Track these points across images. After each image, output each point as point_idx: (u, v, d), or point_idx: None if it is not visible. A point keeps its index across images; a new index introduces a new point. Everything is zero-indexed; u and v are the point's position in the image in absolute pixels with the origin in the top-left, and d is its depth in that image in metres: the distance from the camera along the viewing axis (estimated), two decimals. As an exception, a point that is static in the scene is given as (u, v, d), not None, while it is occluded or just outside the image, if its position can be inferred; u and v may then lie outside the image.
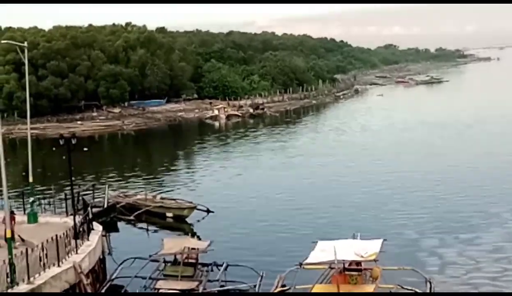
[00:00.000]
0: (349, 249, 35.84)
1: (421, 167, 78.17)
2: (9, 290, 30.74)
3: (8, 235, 33.66)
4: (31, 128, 56.73)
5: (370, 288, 34.17)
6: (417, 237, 47.93)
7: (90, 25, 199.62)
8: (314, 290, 34.05)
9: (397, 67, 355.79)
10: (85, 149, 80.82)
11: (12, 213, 40.21)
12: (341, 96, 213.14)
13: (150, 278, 40.05)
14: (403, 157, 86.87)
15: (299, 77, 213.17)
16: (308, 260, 35.62)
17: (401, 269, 37.75)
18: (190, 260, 40.24)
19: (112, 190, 66.84)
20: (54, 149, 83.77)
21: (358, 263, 35.26)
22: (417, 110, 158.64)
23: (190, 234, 51.44)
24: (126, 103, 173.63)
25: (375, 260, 35.54)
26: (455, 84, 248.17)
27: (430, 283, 36.61)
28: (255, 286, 38.11)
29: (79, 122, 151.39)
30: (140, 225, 58.50)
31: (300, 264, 36.10)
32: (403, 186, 67.51)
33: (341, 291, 33.23)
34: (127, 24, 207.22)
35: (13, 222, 38.36)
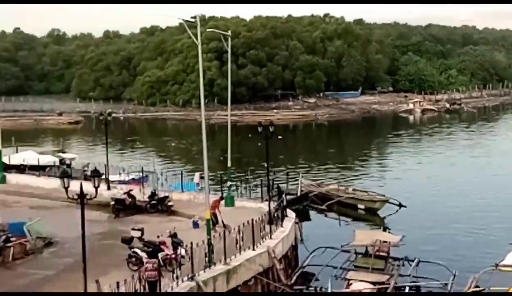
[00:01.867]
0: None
1: None
2: (207, 270, 31.81)
3: (207, 216, 34.87)
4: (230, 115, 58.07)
5: None
6: None
7: (289, 15, 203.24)
8: None
9: None
10: (280, 137, 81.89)
11: (221, 197, 41.92)
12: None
13: (341, 268, 40.21)
14: None
15: (499, 73, 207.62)
16: (505, 262, 34.82)
17: None
18: (381, 253, 39.97)
19: (305, 178, 67.64)
20: (250, 135, 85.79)
21: None
22: None
23: (381, 227, 51.36)
24: (321, 94, 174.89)
25: None
26: None
27: None
28: (446, 284, 37.60)
29: (275, 111, 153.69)
30: (331, 215, 58.69)
31: (496, 265, 35.29)
32: None
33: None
34: (325, 15, 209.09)
35: (219, 204, 40.08)
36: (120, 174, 60.68)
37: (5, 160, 62.03)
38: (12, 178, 56.98)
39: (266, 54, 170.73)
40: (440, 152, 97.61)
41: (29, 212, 42.94)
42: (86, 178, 49.66)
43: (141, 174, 61.49)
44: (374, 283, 36.94)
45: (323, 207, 59.85)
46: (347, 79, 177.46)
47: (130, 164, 74.00)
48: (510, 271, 34.81)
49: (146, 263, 30.48)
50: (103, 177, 51.87)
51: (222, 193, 48.48)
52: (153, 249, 32.65)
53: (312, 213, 57.36)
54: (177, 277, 29.79)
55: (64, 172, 42.90)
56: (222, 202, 43.21)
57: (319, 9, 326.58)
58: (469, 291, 35.18)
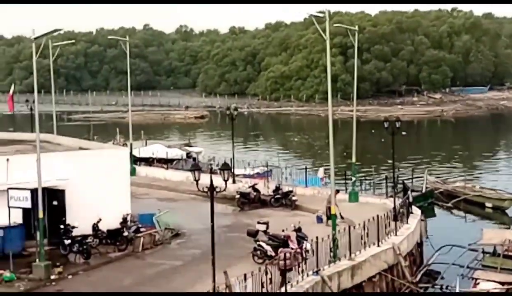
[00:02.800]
0: None
1: None
2: (331, 265, 31.85)
3: (332, 211, 34.97)
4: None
5: None
6: None
7: (416, 10, 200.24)
8: None
9: None
10: (404, 133, 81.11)
11: (337, 191, 41.70)
12: None
13: (468, 267, 39.66)
14: None
15: None
16: None
17: None
18: (510, 253, 39.29)
19: (431, 175, 66.92)
20: (373, 131, 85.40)
21: None
22: None
23: (510, 227, 50.43)
24: (447, 90, 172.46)
25: None
26: None
27: None
28: None
29: (399, 106, 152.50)
30: (457, 212, 57.93)
31: None
32: None
33: None
34: (453, 9, 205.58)
35: (334, 200, 39.94)
36: (245, 168, 61.43)
37: (135, 152, 63.86)
38: (142, 170, 58.49)
39: (391, 49, 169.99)
40: None
41: (158, 204, 43.95)
42: (211, 171, 50.36)
43: (265, 168, 62.08)
44: (503, 283, 36.29)
45: (449, 205, 59.14)
46: (475, 75, 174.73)
47: (254, 158, 74.65)
48: None
49: (280, 252, 30.97)
50: (232, 169, 53.00)
51: (346, 188, 48.55)
52: (278, 242, 32.94)
53: (437, 211, 56.76)
54: (302, 271, 30.00)
55: (195, 165, 43.68)
56: (338, 195, 43.00)
57: (446, 4, 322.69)
58: None
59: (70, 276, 31.37)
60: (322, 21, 37.42)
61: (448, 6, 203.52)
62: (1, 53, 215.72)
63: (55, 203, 35.75)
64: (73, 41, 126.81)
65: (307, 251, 31.63)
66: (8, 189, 33.23)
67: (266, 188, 48.87)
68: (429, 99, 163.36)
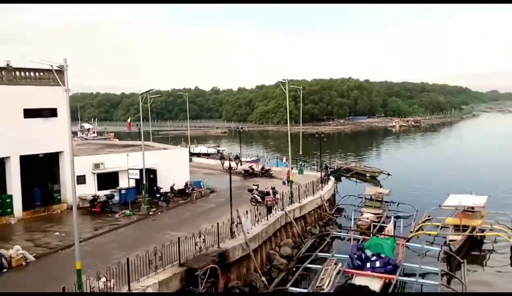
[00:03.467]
0: (468, 199, 33.69)
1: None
2: (290, 205, 31.77)
3: (291, 178, 34.98)
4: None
5: (478, 221, 31.97)
6: (508, 197, 43.57)
7: (331, 78, 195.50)
8: (446, 222, 32.41)
9: (498, 103, 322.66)
10: (325, 139, 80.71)
11: (292, 168, 41.64)
12: (464, 117, 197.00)
13: (358, 205, 40.08)
14: (500, 152, 78.97)
15: (440, 107, 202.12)
16: (444, 204, 33.84)
17: (497, 212, 35.05)
18: (378, 199, 39.50)
19: (339, 160, 67.09)
20: (310, 139, 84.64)
21: (472, 207, 32.97)
22: (510, 126, 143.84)
23: (379, 185, 50.68)
24: (346, 118, 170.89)
25: (483, 207, 33.17)
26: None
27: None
28: (413, 215, 36.80)
29: (323, 126, 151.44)
30: (352, 179, 57.97)
31: (440, 205, 34.38)
32: (499, 167, 61.44)
33: (463, 223, 31.39)
34: (349, 77, 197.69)
35: (290, 173, 39.98)
36: (246, 157, 61.68)
37: (191, 150, 63.79)
38: (195, 159, 58.29)
39: (318, 98, 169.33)
40: (409, 146, 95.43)
41: (203, 176, 43.82)
42: (230, 159, 50.35)
43: (256, 157, 62.45)
44: (374, 214, 36.45)
45: (348, 175, 59.37)
46: (360, 110, 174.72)
47: (251, 153, 74.88)
48: (446, 208, 33.93)
49: (266, 198, 31.02)
50: (240, 158, 53.52)
51: (297, 167, 48.65)
52: (263, 194, 32.94)
53: (342, 178, 56.80)
54: (275, 210, 30.06)
55: (221, 156, 43.00)
56: (293, 171, 42.91)
57: (346, 73, 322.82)
58: (424, 219, 34.42)
59: (159, 212, 31.41)
60: (284, 83, 37.55)
61: (346, 75, 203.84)
62: (124, 102, 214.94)
63: (151, 176, 35.71)
64: (160, 95, 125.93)
65: (278, 199, 31.67)
66: (128, 169, 33.23)
67: (257, 167, 48.90)
68: (338, 123, 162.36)
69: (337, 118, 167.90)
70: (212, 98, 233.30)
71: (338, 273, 23.09)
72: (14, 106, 29.26)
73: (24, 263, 21.17)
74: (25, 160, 30.29)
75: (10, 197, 29.33)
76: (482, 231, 31.26)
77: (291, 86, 39.82)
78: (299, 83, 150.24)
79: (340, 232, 33.28)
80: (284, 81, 38.46)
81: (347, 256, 24.71)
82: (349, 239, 29.57)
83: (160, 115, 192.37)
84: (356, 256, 24.06)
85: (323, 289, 21.25)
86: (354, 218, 35.28)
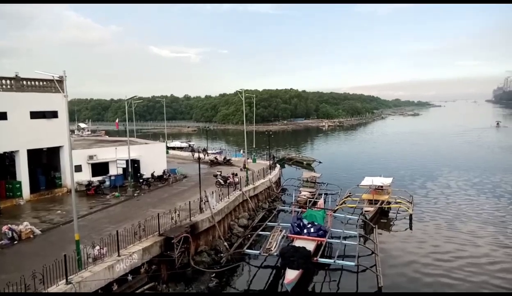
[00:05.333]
0: (378, 180, 34.95)
1: (410, 148, 73.87)
2: (246, 186, 31.82)
3: (246, 166, 35.15)
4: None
5: (386, 196, 33.25)
6: (409, 178, 45.60)
7: (277, 88, 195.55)
8: (362, 197, 33.43)
9: (400, 108, 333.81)
10: (272, 136, 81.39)
11: (247, 158, 41.65)
12: (375, 119, 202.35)
13: (297, 186, 40.52)
14: (400, 144, 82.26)
15: (358, 111, 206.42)
16: (361, 183, 34.95)
17: (399, 190, 36.55)
18: (312, 180, 40.04)
19: (283, 151, 67.68)
20: (260, 135, 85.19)
21: (381, 186, 34.26)
22: (407, 125, 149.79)
23: (313, 170, 51.57)
24: (288, 119, 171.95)
25: (389, 185, 34.51)
26: (425, 116, 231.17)
27: (412, 196, 35.16)
28: (338, 193, 37.77)
29: (271, 125, 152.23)
30: (293, 166, 58.23)
31: (357, 185, 35.46)
32: (401, 155, 64.02)
33: (374, 198, 32.55)
34: (291, 88, 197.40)
35: (246, 161, 40.01)
36: (212, 149, 61.18)
37: (168, 144, 62.06)
38: (171, 152, 57.25)
39: (267, 103, 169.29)
40: (335, 141, 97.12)
41: (177, 165, 43.22)
42: (199, 151, 49.91)
43: (220, 150, 62.02)
44: (310, 192, 37.12)
45: (289, 163, 59.93)
46: (298, 113, 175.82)
47: (215, 146, 74.32)
48: (362, 187, 35.05)
49: (229, 179, 31.00)
50: (207, 150, 52.82)
51: (251, 157, 48.72)
52: (226, 178, 32.93)
53: (286, 166, 57.29)
54: (234, 190, 30.08)
55: (192, 149, 42.30)
56: (249, 160, 43.07)
57: (288, 85, 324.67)
58: (345, 196, 35.33)
59: (142, 194, 30.79)
60: (241, 92, 37.60)
61: (289, 86, 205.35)
62: (113, 106, 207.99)
63: (135, 165, 34.91)
64: (142, 100, 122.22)
65: (237, 182, 31.77)
66: (116, 160, 32.38)
67: (220, 158, 48.71)
68: (282, 123, 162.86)
69: (282, 120, 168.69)
70: (184, 103, 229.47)
71: (282, 237, 23.45)
72: (22, 109, 28.03)
73: (32, 236, 20.33)
74: (31, 153, 29.07)
75: (20, 182, 28.14)
76: (389, 203, 32.51)
77: (246, 94, 39.93)
78: (252, 92, 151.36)
79: (284, 206, 33.68)
80: (241, 90, 38.68)
81: (289, 225, 25.13)
82: (291, 211, 30.03)
83: (142, 116, 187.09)
84: (296, 224, 24.49)
85: (271, 250, 21.57)
86: (294, 195, 35.85)
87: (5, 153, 29.46)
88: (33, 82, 28.90)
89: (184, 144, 72.53)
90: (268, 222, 27.87)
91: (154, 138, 74.89)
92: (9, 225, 20.16)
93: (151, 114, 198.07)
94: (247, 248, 22.54)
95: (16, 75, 28.11)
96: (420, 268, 21.59)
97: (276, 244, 22.18)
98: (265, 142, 60.52)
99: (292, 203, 33.64)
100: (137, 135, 71.46)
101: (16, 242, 19.60)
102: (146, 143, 41.86)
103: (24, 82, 28.45)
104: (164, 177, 35.38)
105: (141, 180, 33.44)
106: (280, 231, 24.36)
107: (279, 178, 42.20)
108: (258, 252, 21.75)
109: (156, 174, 35.31)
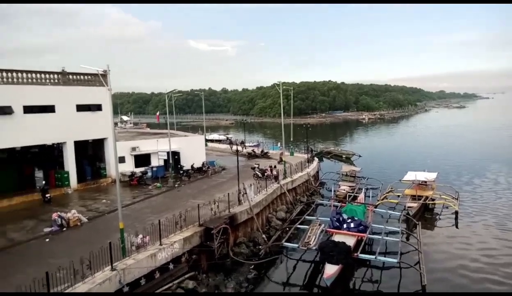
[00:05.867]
0: (422, 175, 33.70)
1: (456, 141, 70.48)
2: (284, 180, 31.59)
3: (284, 159, 34.94)
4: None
5: (430, 192, 31.98)
6: (455, 173, 43.50)
7: (314, 81, 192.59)
8: (405, 193, 32.43)
9: (444, 100, 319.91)
10: (310, 129, 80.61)
11: (284, 151, 41.46)
12: (418, 111, 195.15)
13: (336, 180, 39.81)
14: (445, 137, 78.70)
15: (400, 103, 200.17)
16: (403, 178, 33.83)
17: (444, 185, 35.07)
18: (352, 175, 39.29)
19: (321, 144, 66.79)
20: (298, 128, 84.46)
21: (425, 181, 32.96)
22: (453, 118, 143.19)
23: (352, 164, 50.54)
24: (327, 112, 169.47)
25: (433, 181, 33.17)
26: (472, 108, 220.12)
27: (457, 192, 33.66)
28: (379, 187, 36.77)
29: (309, 118, 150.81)
30: (331, 160, 57.43)
31: (400, 180, 34.33)
32: (445, 150, 61.28)
33: (418, 194, 31.44)
34: (329, 80, 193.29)
35: (283, 154, 39.79)
36: (249, 142, 61.41)
37: (206, 137, 62.65)
38: (209, 144, 57.96)
39: (305, 96, 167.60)
40: (376, 134, 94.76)
41: (216, 157, 43.67)
42: (237, 144, 50.24)
43: (257, 142, 62.17)
44: (349, 186, 36.38)
45: (328, 157, 59.10)
46: (337, 106, 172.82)
47: (252, 139, 74.59)
48: (405, 182, 33.91)
49: (267, 172, 30.97)
50: (245, 143, 53.21)
51: (289, 150, 48.43)
52: (264, 171, 32.89)
53: (324, 159, 56.58)
54: (272, 183, 29.99)
55: (230, 141, 42.64)
56: (286, 153, 42.73)
57: (327, 77, 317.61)
58: (387, 191, 34.34)
59: (182, 185, 31.33)
60: (279, 85, 37.34)
61: (327, 78, 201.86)
62: (154, 99, 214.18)
63: (176, 157, 35.59)
64: (181, 94, 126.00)
65: (275, 175, 31.57)
66: (158, 151, 33.18)
67: (258, 150, 48.77)
68: (320, 116, 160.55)
69: (320, 112, 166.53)
70: (222, 96, 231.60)
71: (321, 232, 23.12)
72: (68, 103, 29.16)
73: (79, 224, 21.23)
74: (78, 144, 30.26)
75: (67, 172, 29.41)
76: (433, 199, 31.25)
77: (283, 87, 39.55)
78: (290, 85, 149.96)
79: (322, 200, 33.24)
80: (278, 83, 38.38)
81: (328, 219, 24.71)
82: (330, 206, 29.53)
83: (181, 110, 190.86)
84: (335, 218, 24.04)
85: (310, 244, 21.31)
86: (333, 190, 35.24)
87: (53, 144, 30.86)
88: (78, 77, 30.02)
89: (222, 137, 73.26)
90: (306, 215, 27.57)
91: (193, 131, 76.16)
92: (59, 213, 21.15)
93: (190, 108, 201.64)
94: (285, 241, 22.39)
95: (63, 69, 29.29)
96: (467, 267, 20.57)
97: (315, 238, 21.90)
98: (303, 135, 59.92)
99: (331, 197, 33.02)
100: (177, 128, 73.05)
101: (64, 229, 20.52)
102: (185, 135, 42.60)
103: (70, 76, 29.59)
104: (203, 168, 35.86)
105: (181, 172, 34.07)
106: (319, 225, 24.01)
107: (317, 172, 41.67)
108: (297, 245, 21.56)
109: (195, 166, 35.87)
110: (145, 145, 34.82)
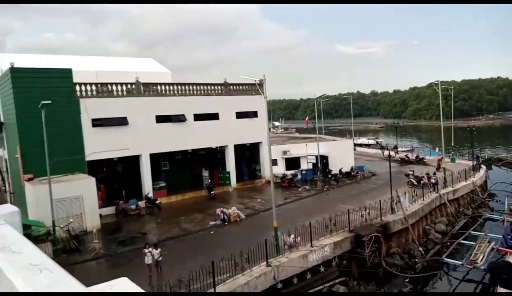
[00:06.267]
0: None
1: None
2: (444, 189, 28.50)
3: (443, 165, 31.64)
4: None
5: None
6: None
7: (480, 78, 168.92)
8: None
9: None
10: (474, 132, 71.04)
11: (443, 157, 37.63)
12: None
13: (509, 191, 34.04)
14: None
15: None
16: None
17: None
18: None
19: (489, 150, 57.88)
20: (459, 131, 75.58)
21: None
22: None
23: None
24: (495, 114, 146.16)
25: None
26: None
27: None
28: None
29: (472, 121, 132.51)
30: (502, 168, 49.08)
31: None
32: None
33: None
34: (498, 77, 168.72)
35: (442, 160, 35.99)
36: (402, 147, 57.62)
37: (355, 141, 61.03)
38: (357, 149, 56.34)
39: (468, 96, 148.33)
40: None
41: (365, 162, 42.25)
42: (388, 149, 47.65)
43: (410, 148, 57.87)
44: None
45: (498, 164, 50.83)
46: (510, 106, 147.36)
47: (405, 144, 69.67)
48: None
49: (423, 180, 28.77)
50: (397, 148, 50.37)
51: (449, 156, 43.64)
52: (419, 179, 30.42)
53: (494, 167, 48.82)
54: (430, 192, 27.43)
55: (382, 146, 40.85)
56: (446, 160, 38.42)
57: (495, 73, 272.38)
58: None
59: (331, 189, 31.33)
60: (437, 84, 34.06)
61: (495, 74, 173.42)
62: (302, 105, 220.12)
63: (324, 161, 35.74)
64: (329, 99, 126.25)
65: (432, 183, 28.80)
66: (307, 155, 34.02)
67: (411, 156, 45.17)
68: (487, 118, 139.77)
69: (487, 114, 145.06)
70: (371, 99, 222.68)
71: (491, 250, 20.17)
72: (230, 111, 32.46)
73: (238, 220, 23.36)
74: (237, 148, 33.36)
75: (229, 173, 32.83)
76: None
77: (442, 86, 35.95)
78: (449, 84, 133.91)
79: (492, 214, 28.91)
80: (436, 82, 35.09)
81: (500, 236, 21.34)
82: (502, 221, 25.44)
83: (329, 114, 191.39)
84: (510, 236, 20.63)
85: (477, 263, 18.78)
86: (507, 203, 30.15)
87: (216, 147, 34.75)
88: (237, 87, 33.16)
89: (371, 141, 70.51)
90: (471, 230, 24.45)
91: (340, 135, 75.56)
92: (222, 208, 23.67)
93: (337, 112, 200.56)
94: (446, 257, 20.41)
95: (225, 81, 32.81)
96: None
97: (483, 257, 19.29)
98: (466, 139, 53.17)
99: (503, 211, 28.44)
100: (324, 132, 73.54)
101: (226, 223, 22.85)
102: (333, 140, 42.53)
103: (231, 87, 32.90)
104: (352, 173, 35.17)
105: (329, 176, 34.13)
106: (488, 242, 21.00)
107: (485, 181, 36.51)
108: (460, 262, 19.41)
109: (343, 170, 35.46)
110: (295, 149, 36.10)
